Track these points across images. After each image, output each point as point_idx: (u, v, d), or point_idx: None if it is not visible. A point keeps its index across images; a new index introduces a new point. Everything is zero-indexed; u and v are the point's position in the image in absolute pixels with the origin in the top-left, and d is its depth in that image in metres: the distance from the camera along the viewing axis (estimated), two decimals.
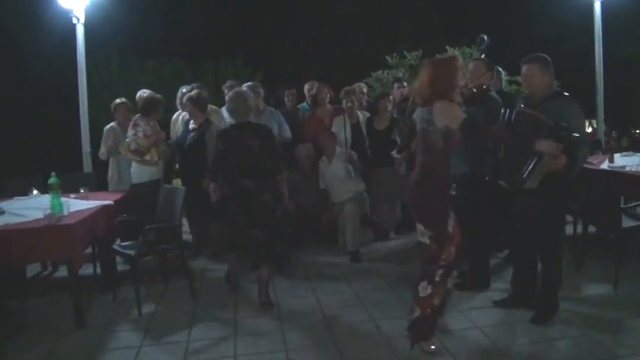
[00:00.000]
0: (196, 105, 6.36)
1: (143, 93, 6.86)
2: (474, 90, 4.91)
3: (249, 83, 6.90)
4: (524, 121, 4.19)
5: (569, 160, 4.02)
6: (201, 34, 16.44)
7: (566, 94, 4.35)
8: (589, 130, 14.58)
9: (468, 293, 5.00)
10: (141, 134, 6.25)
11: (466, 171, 4.99)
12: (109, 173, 6.96)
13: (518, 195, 4.37)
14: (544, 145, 3.97)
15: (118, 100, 7.01)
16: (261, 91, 6.88)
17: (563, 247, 4.57)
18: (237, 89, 5.42)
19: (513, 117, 4.19)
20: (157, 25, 15.38)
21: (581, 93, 10.42)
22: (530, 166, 4.07)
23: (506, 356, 3.89)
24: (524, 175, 4.10)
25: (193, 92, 6.49)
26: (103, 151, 6.91)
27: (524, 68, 4.41)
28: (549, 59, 4.36)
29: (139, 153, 6.29)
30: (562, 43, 13.40)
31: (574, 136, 3.99)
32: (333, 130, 6.90)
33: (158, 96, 6.53)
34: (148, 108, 6.40)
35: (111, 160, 6.92)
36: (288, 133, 6.94)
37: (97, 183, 7.03)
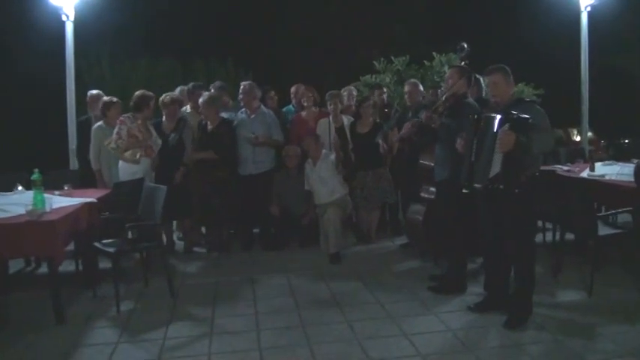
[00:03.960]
0: (171, 107, 6.76)
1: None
2: (447, 102, 5.04)
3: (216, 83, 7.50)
4: (490, 124, 4.35)
5: (520, 138, 4.15)
6: (193, 33, 16.49)
7: (528, 99, 4.58)
8: (577, 139, 14.73)
9: (444, 297, 5.07)
10: (124, 133, 6.27)
11: (446, 177, 5.08)
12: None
13: (490, 198, 4.47)
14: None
15: (114, 99, 6.84)
16: (257, 91, 7.10)
17: (535, 251, 4.63)
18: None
19: (482, 122, 4.40)
20: (149, 23, 15.42)
21: (568, 101, 10.59)
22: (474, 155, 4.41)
23: (476, 357, 3.94)
24: (472, 166, 4.42)
25: (167, 96, 6.84)
26: (93, 156, 6.77)
27: (489, 78, 4.56)
28: (507, 67, 4.52)
29: (119, 150, 6.34)
30: (549, 52, 13.53)
31: (518, 116, 4.18)
32: (317, 132, 6.96)
33: (149, 93, 6.56)
34: (138, 105, 6.43)
35: (101, 157, 6.79)
36: (278, 135, 7.04)
37: (84, 180, 7.03)
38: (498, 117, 4.26)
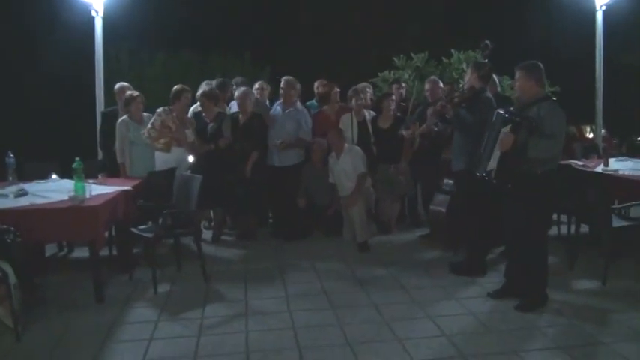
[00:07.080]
0: (210, 99, 6.88)
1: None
2: (464, 94, 5.32)
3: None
4: (498, 121, 4.64)
5: (518, 139, 4.41)
6: (211, 27, 16.69)
7: (553, 98, 4.81)
8: (590, 135, 14.88)
9: (464, 284, 5.31)
10: (158, 123, 6.59)
11: (462, 168, 5.34)
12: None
13: (503, 191, 4.74)
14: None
15: (135, 93, 6.98)
16: (297, 85, 7.36)
17: (545, 242, 4.86)
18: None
19: (494, 117, 4.69)
20: (167, 17, 15.63)
21: (581, 99, 10.74)
22: (483, 147, 4.71)
23: (497, 337, 4.19)
24: (481, 157, 4.73)
25: (206, 87, 7.02)
26: (118, 149, 6.90)
27: (515, 74, 4.81)
28: (538, 65, 4.69)
29: (151, 139, 6.63)
30: (564, 50, 13.67)
31: (522, 119, 4.45)
32: (340, 127, 7.18)
33: (184, 87, 6.84)
34: (172, 98, 6.79)
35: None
36: (305, 134, 7.20)
37: (108, 170, 7.24)
38: (505, 115, 4.53)
